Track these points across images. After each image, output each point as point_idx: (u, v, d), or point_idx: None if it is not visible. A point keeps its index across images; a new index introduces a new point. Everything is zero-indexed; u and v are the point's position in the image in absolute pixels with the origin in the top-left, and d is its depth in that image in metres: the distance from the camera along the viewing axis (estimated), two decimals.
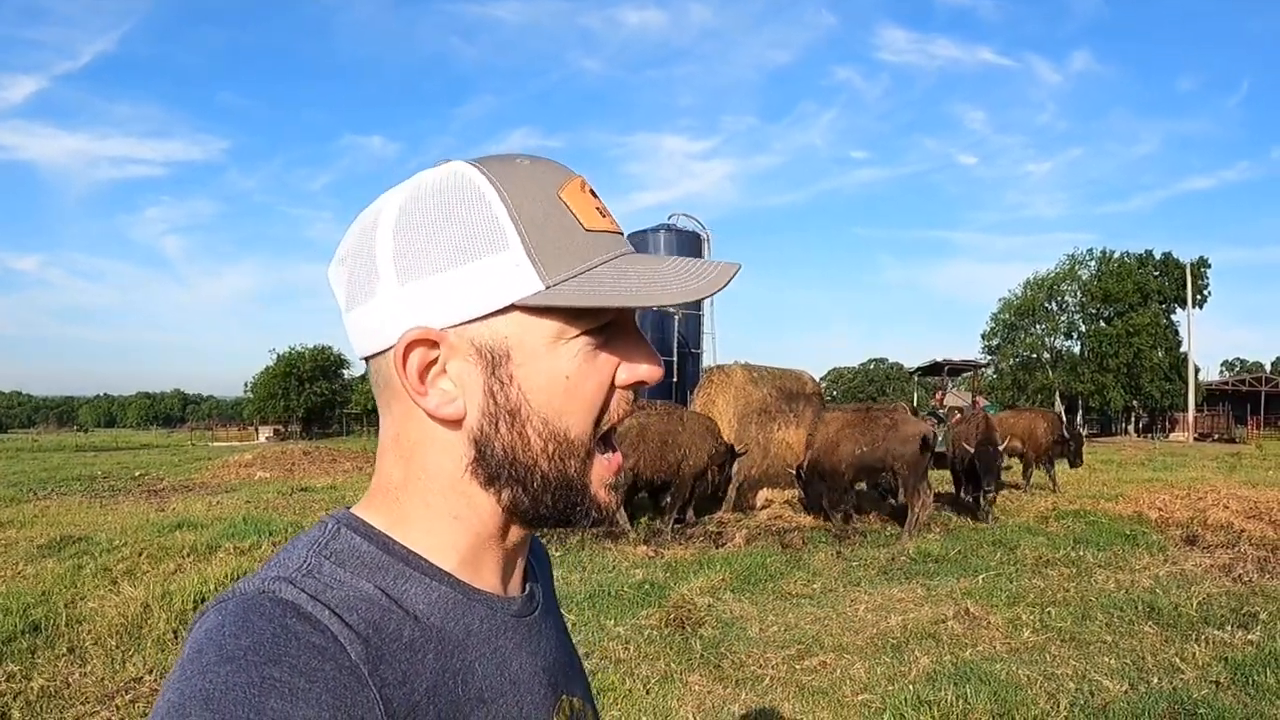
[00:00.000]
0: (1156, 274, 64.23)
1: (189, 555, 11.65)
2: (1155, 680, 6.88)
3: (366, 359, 0.99)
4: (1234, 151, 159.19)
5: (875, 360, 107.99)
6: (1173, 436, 59.65)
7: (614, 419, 0.98)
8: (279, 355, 75.02)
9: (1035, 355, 66.48)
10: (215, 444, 59.63)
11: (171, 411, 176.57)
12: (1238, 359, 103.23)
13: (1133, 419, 65.18)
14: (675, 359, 40.33)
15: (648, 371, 0.98)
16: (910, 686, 6.82)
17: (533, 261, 0.91)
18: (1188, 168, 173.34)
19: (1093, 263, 65.26)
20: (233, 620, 0.82)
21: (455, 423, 0.95)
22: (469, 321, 0.92)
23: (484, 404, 0.94)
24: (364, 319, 0.96)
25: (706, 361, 47.26)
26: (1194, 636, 7.88)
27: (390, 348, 0.94)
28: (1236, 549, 11.93)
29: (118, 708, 6.46)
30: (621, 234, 0.99)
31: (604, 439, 1.00)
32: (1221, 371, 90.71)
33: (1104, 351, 61.88)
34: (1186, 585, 9.79)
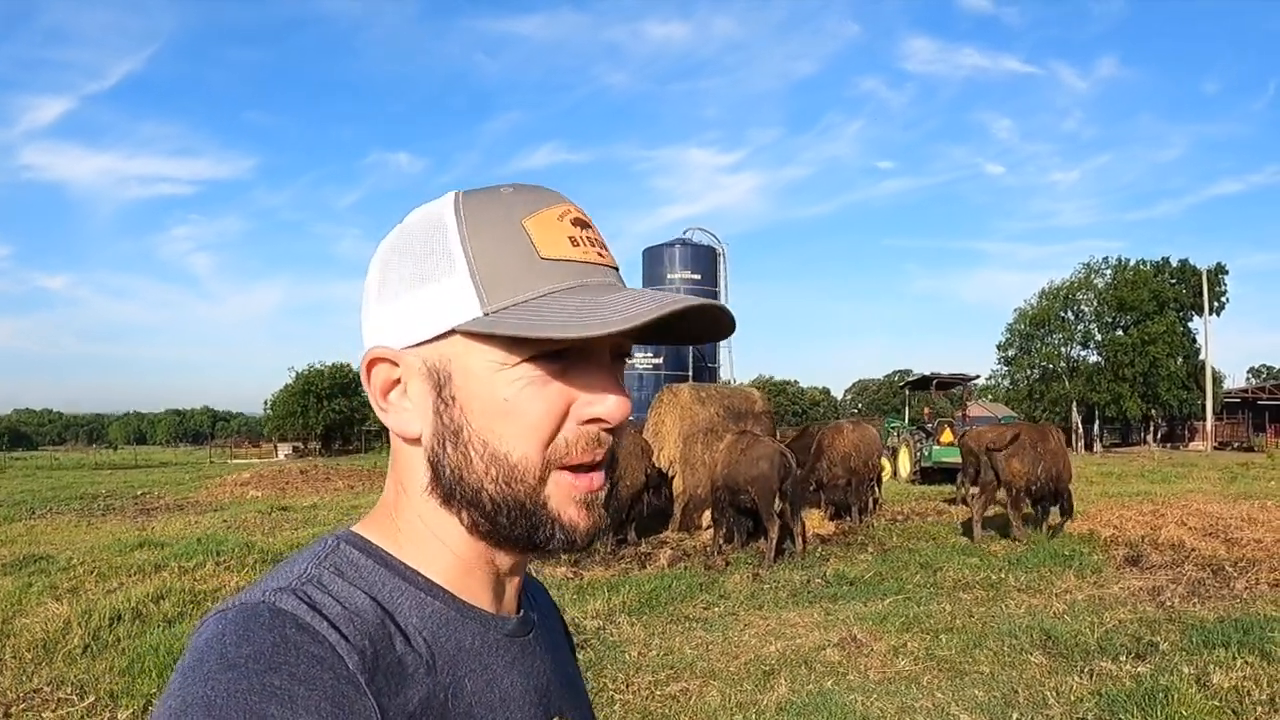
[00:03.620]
0: (1173, 281, 63.40)
1: (134, 575, 11.73)
2: (1016, 716, 6.65)
3: None
4: (1263, 154, 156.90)
5: (900, 372, 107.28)
6: (1192, 446, 59.04)
7: (574, 454, 0.95)
8: (297, 373, 75.21)
9: (1051, 365, 65.75)
10: (234, 461, 59.96)
11: (201, 428, 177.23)
12: (1264, 365, 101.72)
13: (1151, 428, 64.37)
14: (691, 374, 40.27)
15: (604, 410, 0.95)
16: (750, 716, 6.69)
17: (475, 287, 0.92)
18: (1217, 172, 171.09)
19: (1108, 271, 64.53)
20: (233, 629, 0.82)
21: (415, 441, 0.97)
22: (421, 343, 0.95)
23: (434, 424, 0.96)
24: (363, 330, 1.00)
25: (724, 376, 47.18)
26: (1081, 668, 7.60)
27: None
28: (1178, 569, 11.57)
29: (10, 716, 6.73)
30: (598, 264, 0.97)
31: (584, 469, 0.96)
32: (1248, 379, 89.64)
33: (1120, 361, 61.14)
34: (1100, 611, 9.46)
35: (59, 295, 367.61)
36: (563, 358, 0.93)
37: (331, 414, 74.32)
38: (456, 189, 0.99)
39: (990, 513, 16.94)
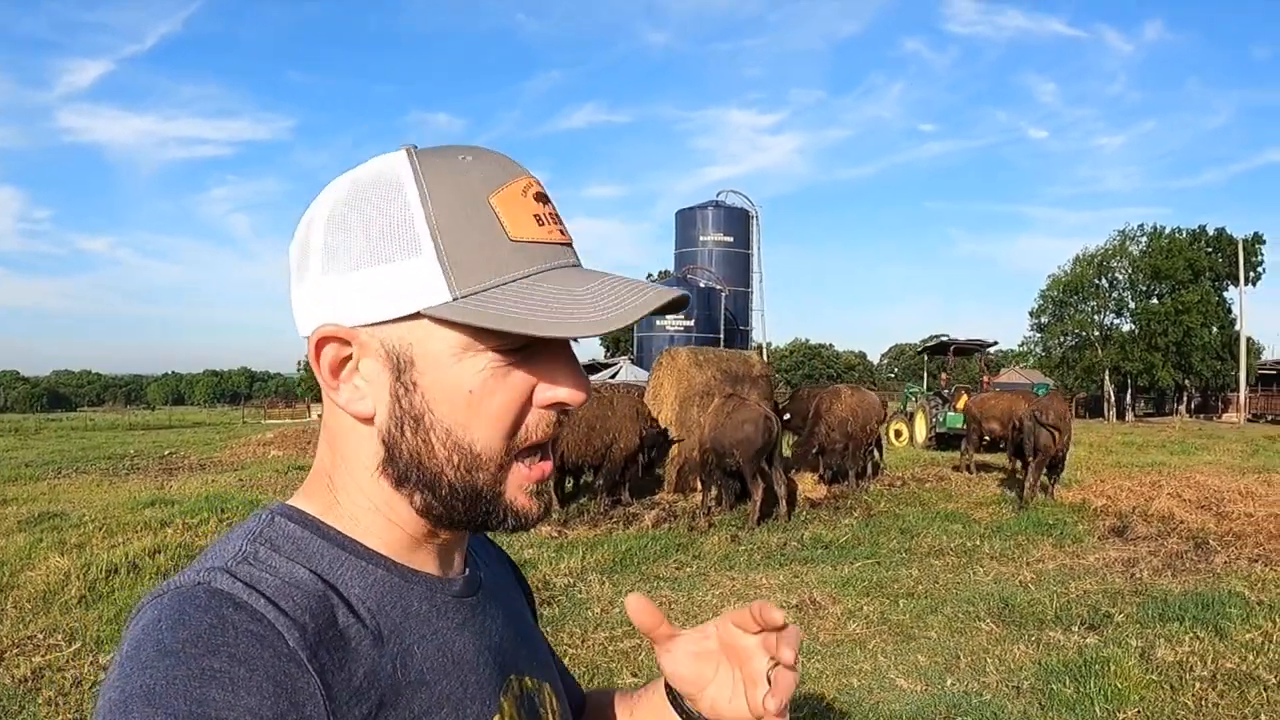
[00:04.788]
0: (1209, 250, 62.52)
1: (140, 531, 11.92)
2: (951, 682, 6.72)
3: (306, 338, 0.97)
4: None
5: (935, 336, 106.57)
6: (1225, 417, 58.46)
7: (532, 438, 0.96)
8: None
9: (1084, 333, 65.16)
10: (267, 421, 60.34)
11: (238, 389, 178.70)
12: None
13: (1185, 398, 63.78)
14: (723, 336, 40.18)
15: (567, 394, 0.95)
16: None
17: (443, 270, 0.89)
18: (1264, 139, 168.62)
19: (1144, 239, 63.77)
20: (169, 614, 0.81)
21: (368, 420, 0.95)
22: (379, 323, 0.91)
23: (391, 406, 0.93)
24: (298, 299, 0.96)
25: (756, 338, 47.09)
26: (1029, 637, 7.64)
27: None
28: (1160, 542, 11.51)
29: (3, 660, 7.03)
30: (564, 244, 0.96)
31: (536, 447, 0.97)
32: None
33: (1153, 329, 60.51)
34: (1067, 581, 9.47)
35: (100, 257, 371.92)
36: (528, 345, 0.92)
37: None
38: (409, 145, 0.95)
39: (990, 482, 16.96)
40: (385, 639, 0.91)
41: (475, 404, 0.92)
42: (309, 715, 0.80)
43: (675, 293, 0.94)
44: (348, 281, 0.91)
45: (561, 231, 0.96)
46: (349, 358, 0.93)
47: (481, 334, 0.89)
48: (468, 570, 1.06)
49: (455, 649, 0.98)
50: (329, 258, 0.92)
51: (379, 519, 0.97)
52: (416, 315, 0.90)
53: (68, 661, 6.99)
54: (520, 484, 0.96)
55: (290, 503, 0.98)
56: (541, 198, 0.95)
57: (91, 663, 6.95)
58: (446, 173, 0.91)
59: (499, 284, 0.89)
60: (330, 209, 0.93)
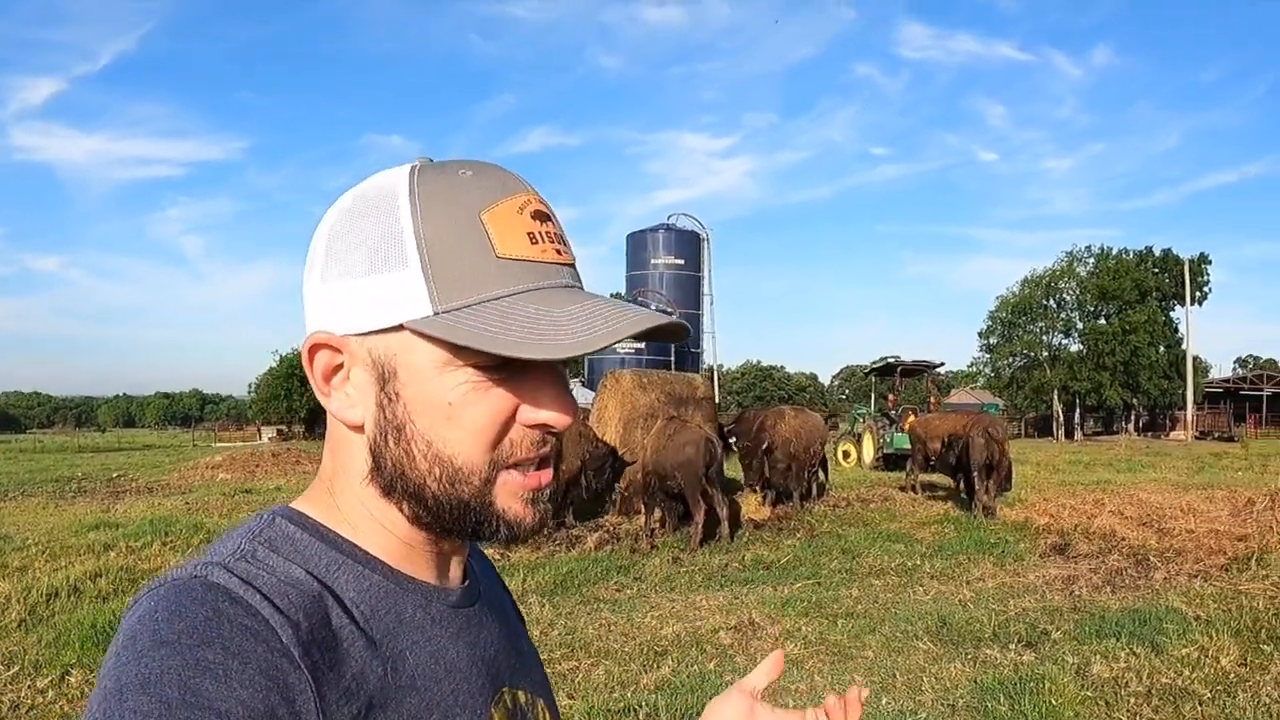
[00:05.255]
0: (1156, 270, 63.53)
1: (83, 554, 11.86)
2: (886, 701, 6.68)
3: None
4: (1259, 144, 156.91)
5: (884, 358, 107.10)
6: (1172, 435, 59.11)
7: (517, 454, 0.94)
8: (281, 356, 75.00)
9: (1033, 354, 65.84)
10: (217, 444, 59.87)
11: (189, 411, 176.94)
12: (1251, 355, 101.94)
13: (1133, 417, 64.48)
14: (673, 359, 40.17)
15: (550, 417, 0.94)
16: (627, 694, 6.74)
17: (428, 284, 0.89)
18: (1212, 162, 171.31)
19: (1091, 259, 64.69)
20: (165, 605, 0.81)
21: (357, 428, 0.96)
22: (367, 333, 0.92)
23: (376, 416, 0.94)
24: (305, 303, 0.97)
25: (706, 361, 47.14)
26: (967, 655, 7.62)
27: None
28: (1101, 559, 11.57)
29: None
30: (560, 264, 0.95)
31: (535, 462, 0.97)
32: (1234, 368, 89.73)
33: (1101, 349, 61.29)
34: (1006, 599, 9.48)
35: (51, 277, 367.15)
36: (508, 364, 0.91)
37: (315, 397, 74.51)
38: (423, 159, 0.97)
39: (934, 503, 17.03)
40: (378, 643, 0.91)
41: (455, 417, 0.92)
42: (300, 710, 0.80)
43: (658, 319, 0.92)
44: (341, 290, 0.93)
45: (559, 251, 0.95)
46: (340, 365, 0.95)
47: (460, 349, 0.89)
48: (467, 581, 1.07)
49: (448, 657, 0.98)
50: (327, 267, 0.94)
51: (376, 525, 0.97)
52: (400, 327, 0.91)
53: (5, 686, 6.92)
54: (514, 491, 0.95)
55: (293, 505, 0.99)
56: (541, 216, 0.95)
57: (30, 687, 6.89)
58: (442, 188, 0.92)
59: (482, 300, 0.89)
60: (334, 220, 0.96)
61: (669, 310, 40.50)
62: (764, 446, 16.09)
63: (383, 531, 0.97)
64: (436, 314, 0.89)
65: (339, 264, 0.93)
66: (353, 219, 0.94)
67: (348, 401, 0.95)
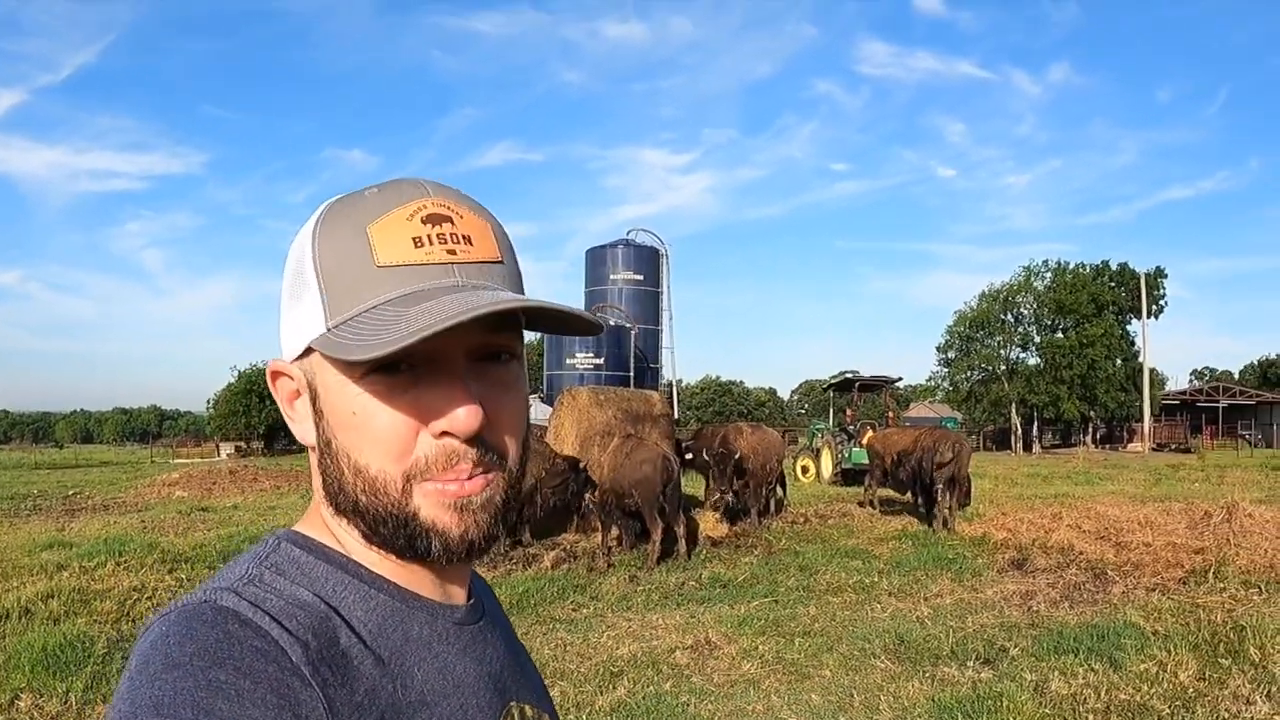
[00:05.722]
0: (1113, 284, 64.02)
1: (35, 574, 11.64)
2: None
3: None
4: (1214, 161, 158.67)
5: (843, 372, 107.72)
6: (1130, 447, 59.63)
7: (433, 468, 0.93)
8: (240, 372, 74.49)
9: (991, 368, 66.26)
10: (175, 461, 59.34)
11: (148, 427, 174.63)
12: (1207, 368, 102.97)
13: (1090, 430, 64.95)
14: (632, 374, 40.19)
15: (448, 422, 0.92)
16: (582, 716, 6.71)
17: (322, 303, 0.93)
18: (1168, 178, 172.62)
19: (1048, 274, 65.13)
20: (176, 629, 0.83)
21: (312, 448, 1.00)
22: (297, 358, 0.97)
23: (316, 435, 0.98)
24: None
25: (666, 376, 47.16)
26: (925, 673, 7.56)
27: None
28: (1059, 574, 11.56)
29: None
30: (445, 263, 0.93)
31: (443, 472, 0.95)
32: (1191, 380, 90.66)
33: (1059, 363, 61.74)
34: (964, 616, 9.44)
35: (8, 290, 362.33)
36: (406, 370, 0.92)
37: (274, 414, 73.67)
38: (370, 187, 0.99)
39: (892, 518, 17.02)
40: (386, 660, 0.92)
41: (359, 427, 0.93)
42: None
43: (514, 301, 0.90)
44: (283, 320, 0.99)
45: (450, 251, 0.94)
46: (296, 391, 0.99)
47: (350, 362, 0.90)
48: (471, 599, 1.07)
49: (456, 673, 0.98)
50: (282, 299, 0.99)
51: (370, 545, 0.99)
52: (309, 350, 0.95)
53: None
54: (438, 500, 0.94)
55: (295, 528, 1.01)
56: (436, 219, 0.95)
57: None
58: (341, 210, 0.96)
59: (363, 311, 0.91)
60: (292, 252, 0.99)
61: (627, 324, 40.50)
62: (733, 457, 15.95)
63: (378, 550, 0.98)
64: (328, 330, 0.92)
65: (284, 296, 0.98)
66: (290, 255, 0.99)
67: (303, 426, 0.99)
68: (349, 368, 0.92)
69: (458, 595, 1.05)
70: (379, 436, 0.93)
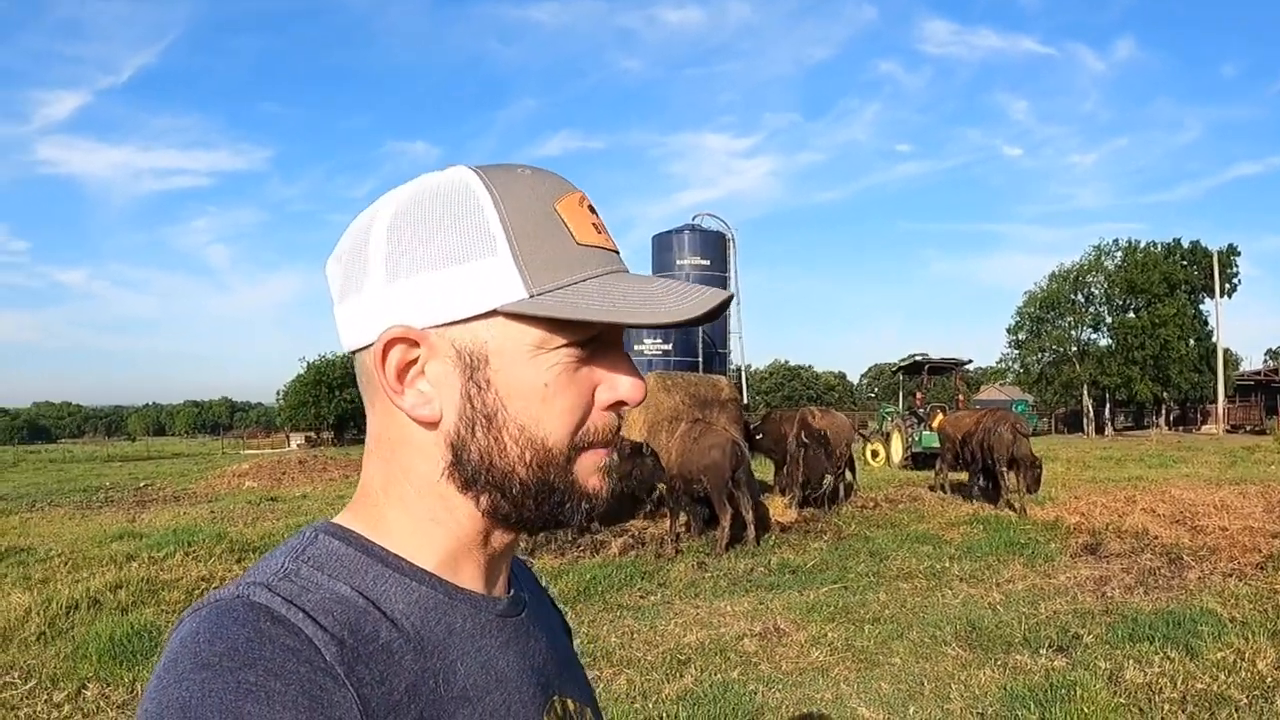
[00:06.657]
0: (1184, 263, 62.74)
1: (106, 565, 11.84)
2: (914, 710, 6.56)
3: (352, 354, 0.99)
4: None
5: (911, 355, 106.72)
6: (1204, 429, 58.55)
7: (595, 438, 0.97)
8: (309, 364, 75.25)
9: (1061, 349, 65.32)
10: (246, 451, 60.28)
11: (219, 419, 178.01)
12: None
13: (1163, 411, 63.90)
14: (700, 360, 40.10)
15: (628, 391, 0.97)
16: (649, 704, 6.65)
17: (519, 269, 0.91)
18: (1236, 154, 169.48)
19: (1118, 253, 63.99)
20: (207, 626, 0.82)
21: (432, 424, 0.95)
22: (451, 323, 0.92)
23: (461, 407, 0.94)
24: (351, 313, 0.97)
25: (735, 362, 46.98)
26: (996, 661, 7.46)
27: (372, 344, 0.94)
28: (1133, 559, 11.36)
29: None
30: (616, 252, 0.99)
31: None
32: (1266, 360, 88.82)
33: (1130, 343, 60.69)
34: (1036, 602, 9.31)
35: (76, 289, 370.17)
36: (590, 345, 0.94)
37: (344, 404, 74.48)
38: (452, 165, 0.98)
39: (963, 502, 16.88)
40: (428, 654, 0.91)
41: (549, 399, 0.93)
42: None
43: (726, 294, 0.96)
44: (419, 284, 0.92)
45: (611, 240, 0.99)
46: (414, 361, 0.94)
47: (556, 330, 0.92)
48: (512, 590, 1.07)
49: (499, 667, 0.98)
50: (394, 264, 0.93)
51: (432, 531, 0.97)
52: (492, 313, 0.91)
53: (22, 700, 6.89)
54: (592, 465, 0.97)
55: (336, 520, 0.99)
56: (593, 209, 0.98)
57: (46, 700, 6.88)
58: (513, 182, 0.94)
59: (571, 282, 0.91)
60: (392, 219, 0.95)
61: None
62: (821, 442, 15.89)
63: (436, 535, 0.97)
64: (532, 296, 0.90)
65: (409, 259, 0.93)
66: (423, 213, 0.94)
67: (423, 398, 0.94)
68: (548, 335, 0.92)
69: (499, 587, 1.05)
70: (568, 406, 0.94)
